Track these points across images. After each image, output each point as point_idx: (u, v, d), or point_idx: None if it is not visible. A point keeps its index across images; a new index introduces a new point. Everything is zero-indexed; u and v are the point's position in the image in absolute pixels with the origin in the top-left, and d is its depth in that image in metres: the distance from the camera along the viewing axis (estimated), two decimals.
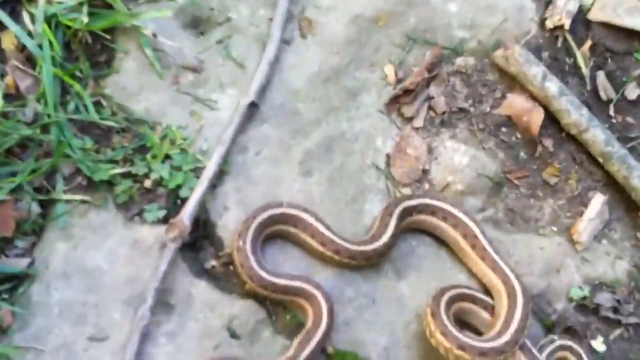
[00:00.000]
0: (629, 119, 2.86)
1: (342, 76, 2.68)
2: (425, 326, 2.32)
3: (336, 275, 2.41)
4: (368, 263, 2.42)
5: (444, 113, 2.73)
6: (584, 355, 2.45)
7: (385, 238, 2.40)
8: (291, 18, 2.67)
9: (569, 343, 2.46)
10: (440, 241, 2.58)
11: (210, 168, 2.35)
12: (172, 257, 2.25)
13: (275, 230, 2.36)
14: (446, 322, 2.27)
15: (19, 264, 2.19)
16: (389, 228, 2.42)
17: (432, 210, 2.52)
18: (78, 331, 2.17)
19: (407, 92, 2.70)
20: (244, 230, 2.29)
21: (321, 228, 2.37)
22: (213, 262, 2.35)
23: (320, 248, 2.36)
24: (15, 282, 2.19)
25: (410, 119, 2.70)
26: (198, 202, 2.31)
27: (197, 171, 2.39)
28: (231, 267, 2.35)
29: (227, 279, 2.35)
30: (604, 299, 2.61)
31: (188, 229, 2.27)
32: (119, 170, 2.33)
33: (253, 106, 2.49)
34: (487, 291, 2.49)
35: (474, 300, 2.42)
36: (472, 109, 2.76)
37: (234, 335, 2.27)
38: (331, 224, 2.43)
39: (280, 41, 2.60)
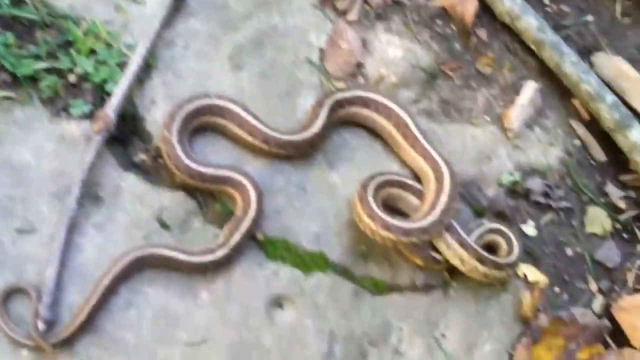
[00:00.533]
0: (564, 7, 2.87)
1: None
2: (353, 210, 2.36)
3: (266, 166, 2.43)
4: (298, 153, 2.43)
5: (378, 6, 2.72)
6: (513, 238, 2.49)
7: (315, 128, 2.42)
8: None
9: (499, 226, 2.51)
10: (375, 135, 2.60)
11: (135, 60, 2.34)
12: (97, 149, 2.25)
13: (202, 122, 2.37)
14: (373, 205, 2.31)
15: None
16: (320, 118, 2.43)
17: (365, 102, 2.53)
18: (5, 224, 2.17)
19: None
20: (169, 121, 2.30)
21: (249, 118, 2.37)
22: (142, 156, 2.36)
23: (249, 138, 2.37)
24: None
25: (344, 13, 2.70)
26: (123, 95, 2.31)
27: (123, 66, 2.37)
28: (160, 161, 2.36)
29: (156, 172, 2.36)
30: (535, 184, 2.65)
31: (113, 121, 2.27)
32: (42, 65, 2.31)
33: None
34: (419, 180, 2.52)
35: (403, 186, 2.45)
36: (407, 2, 2.75)
37: (164, 225, 2.30)
38: (264, 119, 2.44)
39: None
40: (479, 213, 2.60)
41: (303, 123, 2.46)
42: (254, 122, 2.37)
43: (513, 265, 2.48)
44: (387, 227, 2.29)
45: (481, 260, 2.40)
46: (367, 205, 2.31)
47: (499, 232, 2.51)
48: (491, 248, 2.52)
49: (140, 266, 2.21)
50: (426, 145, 2.48)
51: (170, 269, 2.24)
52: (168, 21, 2.46)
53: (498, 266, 2.42)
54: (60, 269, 2.14)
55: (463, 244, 2.39)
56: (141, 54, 2.35)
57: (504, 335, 2.52)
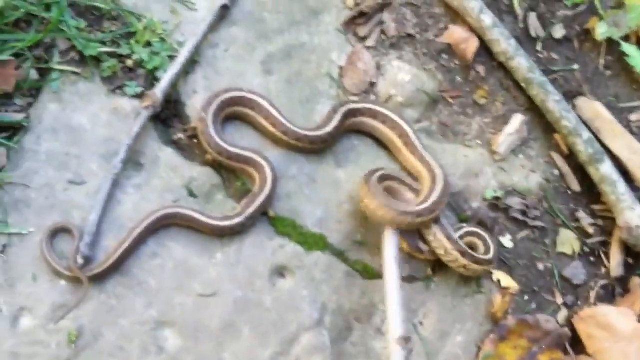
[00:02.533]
0: (554, 55, 3.27)
1: None
2: (359, 193, 2.73)
3: (283, 155, 2.81)
4: (312, 148, 2.82)
5: (393, 37, 3.14)
6: (489, 240, 2.84)
7: (329, 128, 2.81)
8: None
9: (478, 230, 2.87)
10: (381, 144, 2.98)
11: (183, 54, 2.77)
12: (144, 122, 2.66)
13: (234, 110, 2.78)
14: (374, 188, 2.68)
15: (16, 117, 2.60)
16: (334, 121, 2.83)
17: (374, 114, 2.93)
18: (60, 175, 2.57)
19: (363, 14, 3.12)
20: (207, 105, 2.71)
21: (274, 112, 2.78)
22: (180, 135, 2.77)
23: (272, 129, 2.77)
24: (12, 132, 2.59)
25: (363, 39, 3.12)
26: (170, 80, 2.72)
27: (173, 58, 2.80)
28: (195, 140, 2.76)
29: (190, 149, 2.76)
30: (515, 202, 3.02)
31: (160, 100, 2.68)
32: (106, 49, 2.74)
33: (225, 8, 2.91)
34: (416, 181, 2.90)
35: (402, 182, 2.82)
36: (418, 36, 3.17)
37: (191, 194, 2.68)
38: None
39: None
40: (463, 221, 2.96)
41: (319, 124, 2.87)
42: (277, 115, 2.77)
43: (489, 262, 2.82)
44: (387, 206, 2.65)
45: (462, 253, 2.75)
46: (369, 188, 2.68)
47: (478, 235, 2.87)
48: (470, 248, 2.86)
49: (169, 222, 2.58)
50: (424, 153, 2.87)
51: (192, 229, 2.61)
52: (214, 26, 2.89)
53: (476, 260, 2.77)
54: (102, 216, 2.53)
55: (448, 237, 2.75)
56: (189, 50, 2.78)
57: (475, 330, 2.84)
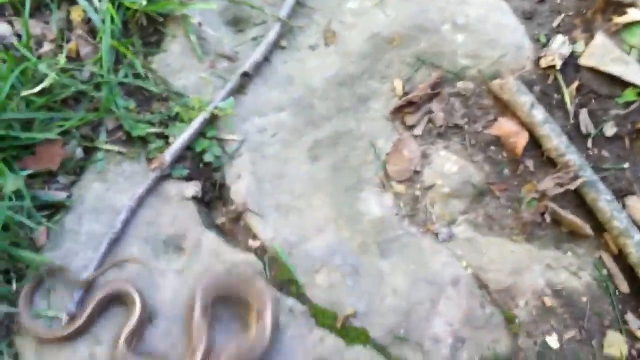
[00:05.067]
0: (604, 153, 3.20)
1: (356, 83, 3.07)
2: None
3: (327, 244, 2.75)
4: None
5: (441, 126, 3.10)
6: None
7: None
8: (318, 28, 3.09)
9: None
10: (424, 238, 2.91)
11: (198, 120, 2.77)
12: (150, 184, 2.64)
13: None
14: None
15: (59, 196, 2.57)
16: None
17: None
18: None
19: (411, 103, 3.08)
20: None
21: None
22: (223, 219, 2.71)
23: None
24: (53, 211, 2.56)
25: (411, 127, 3.08)
26: (181, 146, 2.70)
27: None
28: (238, 224, 2.71)
29: (233, 234, 2.70)
30: (561, 302, 2.91)
31: (167, 163, 2.65)
32: (154, 130, 2.72)
33: (245, 75, 2.88)
34: None
35: None
36: (466, 127, 3.12)
37: None
38: (329, 205, 2.79)
39: (274, 40, 3.01)
40: (510, 320, 2.86)
41: None
42: None
43: None
44: None
45: None
46: None
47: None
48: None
49: None
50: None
51: None
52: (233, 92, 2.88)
53: None
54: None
55: None
56: (204, 116, 2.77)
57: None
